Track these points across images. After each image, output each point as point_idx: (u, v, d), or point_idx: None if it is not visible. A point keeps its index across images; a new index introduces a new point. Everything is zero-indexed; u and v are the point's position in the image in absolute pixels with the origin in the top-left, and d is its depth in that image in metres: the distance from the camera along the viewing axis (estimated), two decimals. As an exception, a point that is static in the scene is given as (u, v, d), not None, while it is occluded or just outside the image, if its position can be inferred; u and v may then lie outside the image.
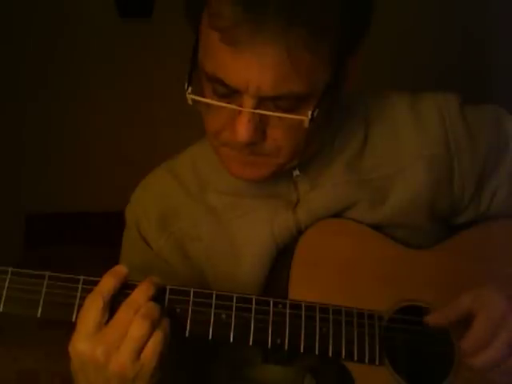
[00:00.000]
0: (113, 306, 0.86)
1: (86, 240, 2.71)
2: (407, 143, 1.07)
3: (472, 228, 1.10)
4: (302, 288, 0.97)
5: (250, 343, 0.91)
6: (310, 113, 0.89)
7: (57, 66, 2.77)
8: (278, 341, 0.92)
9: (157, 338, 0.85)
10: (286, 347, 0.92)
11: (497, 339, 0.92)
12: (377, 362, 0.96)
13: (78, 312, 0.86)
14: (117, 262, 1.11)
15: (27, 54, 2.74)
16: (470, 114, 1.09)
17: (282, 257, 1.03)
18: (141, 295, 0.87)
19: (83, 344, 0.85)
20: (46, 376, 2.09)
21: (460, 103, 1.08)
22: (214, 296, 0.91)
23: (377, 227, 1.04)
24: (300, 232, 1.03)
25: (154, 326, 0.85)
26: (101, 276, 0.88)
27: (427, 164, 1.06)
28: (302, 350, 0.93)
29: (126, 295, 0.87)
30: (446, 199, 1.08)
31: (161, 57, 2.75)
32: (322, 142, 1.03)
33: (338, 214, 1.04)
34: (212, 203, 1.07)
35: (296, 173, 1.04)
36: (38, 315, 0.86)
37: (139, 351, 0.85)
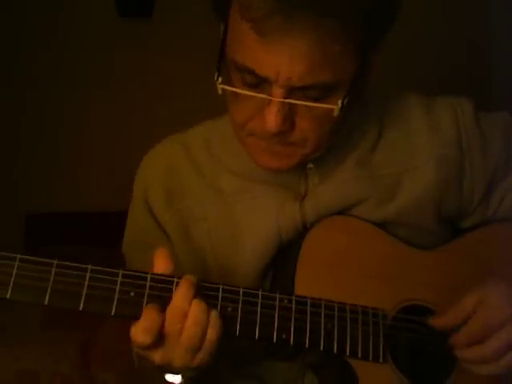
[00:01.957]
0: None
1: (86, 240, 2.70)
2: (420, 143, 1.08)
3: (476, 231, 1.11)
4: (308, 285, 0.98)
5: (256, 337, 0.91)
6: (340, 102, 0.90)
7: (56, 65, 2.77)
8: (284, 336, 0.92)
9: (211, 337, 0.87)
10: (291, 342, 0.92)
11: (495, 338, 0.93)
12: (380, 360, 0.97)
13: (85, 301, 0.86)
14: (117, 262, 1.12)
15: (26, 54, 2.73)
16: (483, 119, 1.10)
17: (288, 254, 1.03)
18: (183, 300, 0.86)
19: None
20: (46, 376, 2.09)
21: (474, 108, 1.10)
22: (220, 289, 0.91)
23: (382, 224, 1.04)
24: (305, 226, 1.04)
25: (204, 328, 0.86)
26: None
27: (438, 163, 1.06)
28: (306, 346, 0.93)
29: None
30: (454, 200, 1.09)
31: (161, 57, 2.75)
32: (337, 136, 1.03)
33: (345, 210, 1.05)
34: (222, 184, 1.08)
35: (310, 165, 1.04)
36: (46, 303, 0.86)
37: (195, 353, 0.87)
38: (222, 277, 1.06)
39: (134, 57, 2.76)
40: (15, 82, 2.75)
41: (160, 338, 0.85)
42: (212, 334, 0.86)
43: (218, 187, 1.08)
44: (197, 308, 0.86)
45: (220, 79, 0.91)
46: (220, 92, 0.92)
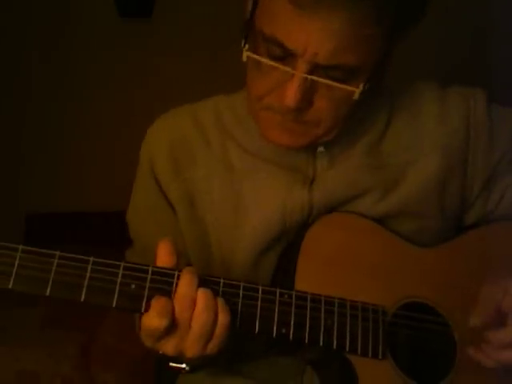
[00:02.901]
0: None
1: (86, 240, 2.69)
2: (428, 132, 1.08)
3: (477, 229, 1.11)
4: (308, 281, 0.98)
5: (256, 331, 0.91)
6: (361, 85, 0.90)
7: (56, 65, 2.77)
8: (283, 330, 0.92)
9: (222, 321, 0.87)
10: (291, 337, 0.92)
11: None
12: (380, 357, 0.97)
13: (86, 292, 0.86)
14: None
15: (26, 54, 2.74)
16: (494, 112, 1.10)
17: (289, 251, 1.03)
18: (189, 288, 0.86)
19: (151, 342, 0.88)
20: (47, 377, 2.09)
21: (487, 99, 1.10)
22: (221, 283, 0.91)
23: (386, 217, 1.05)
24: (310, 213, 1.04)
25: (215, 313, 0.86)
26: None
27: (443, 153, 1.07)
28: (306, 341, 0.93)
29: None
30: (456, 190, 1.09)
31: (161, 57, 2.75)
32: (350, 122, 1.02)
33: (351, 199, 1.05)
34: (231, 158, 1.08)
35: (320, 149, 1.05)
36: (47, 294, 0.86)
37: (208, 340, 0.87)
38: (221, 250, 1.07)
39: (134, 57, 2.76)
40: (15, 82, 2.76)
41: (172, 327, 0.85)
42: (223, 318, 0.86)
43: (227, 162, 1.07)
44: (204, 295, 0.86)
45: (247, 46, 0.91)
46: (245, 59, 0.92)
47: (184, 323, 0.85)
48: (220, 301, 0.87)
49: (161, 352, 0.88)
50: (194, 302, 0.86)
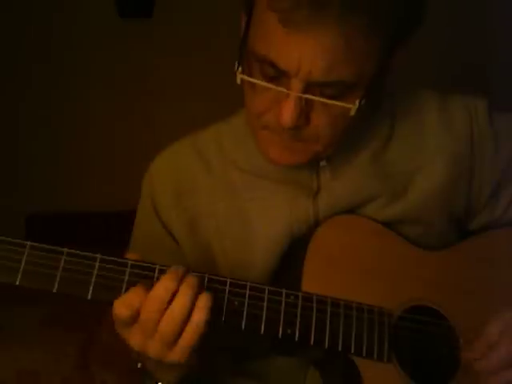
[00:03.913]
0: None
1: (86, 240, 2.70)
2: (432, 140, 1.07)
3: (484, 234, 1.10)
4: (314, 283, 0.97)
5: (261, 332, 0.91)
6: (357, 101, 0.89)
7: (56, 65, 2.77)
8: (289, 331, 0.92)
9: (187, 335, 0.85)
10: (297, 338, 0.92)
11: None
12: (385, 359, 0.96)
13: (93, 289, 0.87)
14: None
15: (26, 54, 2.74)
16: (496, 119, 1.10)
17: (297, 251, 1.02)
18: (164, 291, 0.85)
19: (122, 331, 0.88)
20: (46, 376, 2.09)
21: (488, 107, 1.09)
22: (228, 283, 0.91)
23: (393, 222, 1.04)
24: (317, 221, 1.04)
25: (181, 325, 0.84)
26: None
27: (449, 161, 1.06)
28: (311, 342, 0.93)
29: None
30: (462, 197, 1.09)
31: (161, 57, 2.75)
32: (350, 133, 1.01)
33: (357, 207, 1.05)
34: (234, 182, 1.07)
35: (323, 163, 1.04)
36: (54, 290, 0.86)
37: (171, 347, 0.85)
38: (231, 274, 1.05)
39: (134, 57, 2.76)
40: (15, 82, 2.76)
41: (136, 321, 0.85)
42: (189, 333, 0.85)
43: (228, 185, 1.07)
44: (177, 305, 0.84)
45: (240, 69, 0.91)
46: (239, 82, 0.92)
47: (150, 322, 0.84)
48: (195, 319, 0.85)
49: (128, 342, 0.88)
50: (164, 306, 0.84)
